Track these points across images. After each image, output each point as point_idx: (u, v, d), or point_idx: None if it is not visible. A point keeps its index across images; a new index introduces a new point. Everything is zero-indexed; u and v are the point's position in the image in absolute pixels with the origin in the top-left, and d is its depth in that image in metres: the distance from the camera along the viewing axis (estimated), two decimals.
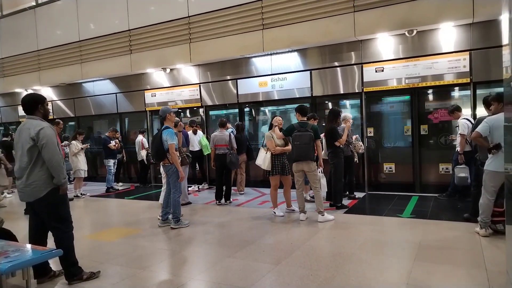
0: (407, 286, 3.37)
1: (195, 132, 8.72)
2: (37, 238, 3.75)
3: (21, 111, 12.68)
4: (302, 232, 5.28)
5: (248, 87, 8.94)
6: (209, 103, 9.50)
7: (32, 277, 3.49)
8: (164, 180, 6.08)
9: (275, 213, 6.13)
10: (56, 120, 8.51)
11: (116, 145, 9.38)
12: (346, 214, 6.10)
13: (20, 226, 5.06)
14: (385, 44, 7.39)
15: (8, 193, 9.49)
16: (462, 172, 5.84)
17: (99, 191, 9.70)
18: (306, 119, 5.85)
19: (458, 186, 6.20)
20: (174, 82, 9.96)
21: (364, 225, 5.39)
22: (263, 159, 6.04)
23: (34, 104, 3.66)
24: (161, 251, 4.73)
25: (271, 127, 6.22)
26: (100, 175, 11.49)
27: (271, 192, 6.24)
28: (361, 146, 7.08)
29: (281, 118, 6.29)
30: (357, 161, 7.19)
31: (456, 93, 7.36)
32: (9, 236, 4.00)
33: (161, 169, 6.20)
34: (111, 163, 9.45)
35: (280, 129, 6.07)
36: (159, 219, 6.02)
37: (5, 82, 12.61)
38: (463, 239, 4.59)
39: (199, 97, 9.56)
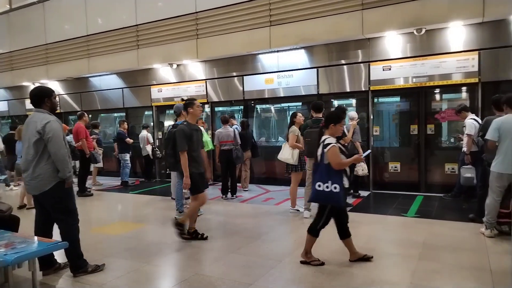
0: (411, 285, 3.37)
1: None
2: (42, 230, 3.79)
3: (28, 104, 12.79)
4: (305, 229, 5.27)
5: (254, 84, 8.92)
6: (215, 99, 9.51)
7: (37, 269, 3.53)
8: (174, 174, 6.09)
9: (298, 210, 6.03)
10: (80, 112, 8.60)
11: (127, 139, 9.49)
12: (350, 212, 6.02)
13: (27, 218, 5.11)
14: (393, 42, 7.34)
15: (14, 186, 9.59)
16: (468, 172, 5.80)
17: (104, 185, 9.77)
18: (321, 116, 5.72)
19: (464, 187, 6.17)
20: (180, 78, 9.97)
21: (368, 224, 5.38)
22: (291, 154, 5.85)
23: (41, 97, 3.67)
24: (165, 245, 4.75)
25: (292, 123, 6.03)
26: (105, 169, 11.55)
27: (293, 189, 6.05)
28: (363, 169, 6.81)
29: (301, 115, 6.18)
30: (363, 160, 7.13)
31: (464, 93, 7.30)
32: (15, 223, 4.10)
33: None
34: (127, 157, 9.56)
35: (299, 127, 6.04)
36: (175, 217, 5.99)
37: (14, 75, 12.70)
38: (468, 239, 4.56)
39: (205, 93, 9.56)
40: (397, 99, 7.82)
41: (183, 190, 6.06)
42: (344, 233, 3.86)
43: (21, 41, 12.34)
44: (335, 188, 3.63)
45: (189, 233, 4.86)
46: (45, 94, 3.70)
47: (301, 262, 3.92)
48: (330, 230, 5.09)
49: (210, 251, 4.52)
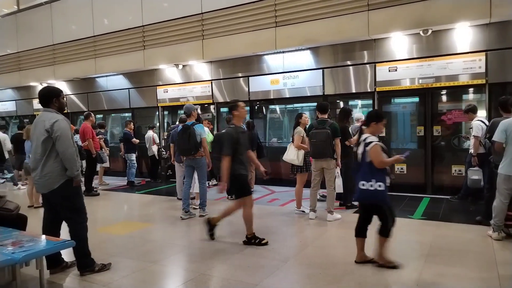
0: (417, 287, 3.35)
1: None
2: (50, 229, 3.82)
3: (36, 104, 12.91)
4: (311, 231, 5.28)
5: (259, 84, 8.93)
6: (221, 100, 9.52)
7: (45, 267, 3.56)
8: (179, 174, 6.13)
9: (303, 211, 6.01)
10: (86, 112, 8.67)
11: (134, 139, 9.56)
12: (356, 214, 6.05)
13: (35, 217, 5.15)
14: (399, 43, 7.31)
15: (22, 185, 9.67)
16: (475, 174, 5.76)
17: (111, 185, 9.82)
18: (326, 117, 5.71)
19: (471, 189, 6.12)
20: (186, 79, 10.01)
21: (374, 226, 5.34)
22: (296, 154, 5.87)
23: (50, 97, 3.72)
24: (171, 245, 4.77)
25: (297, 124, 6.04)
26: (111, 169, 11.61)
27: (298, 190, 6.05)
28: None
29: (307, 116, 6.18)
30: None
31: (470, 94, 7.26)
32: (23, 221, 4.12)
33: (177, 164, 6.25)
34: (133, 157, 9.61)
35: (304, 128, 6.03)
36: (182, 217, 6.04)
37: (21, 75, 12.81)
38: (475, 242, 4.53)
39: (210, 94, 9.58)
40: (403, 100, 7.78)
41: (190, 191, 6.11)
42: (362, 231, 3.88)
43: (28, 42, 12.45)
44: (379, 186, 3.60)
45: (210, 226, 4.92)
46: (53, 94, 3.75)
47: (374, 261, 3.84)
48: (337, 233, 5.08)
49: (216, 251, 4.52)
